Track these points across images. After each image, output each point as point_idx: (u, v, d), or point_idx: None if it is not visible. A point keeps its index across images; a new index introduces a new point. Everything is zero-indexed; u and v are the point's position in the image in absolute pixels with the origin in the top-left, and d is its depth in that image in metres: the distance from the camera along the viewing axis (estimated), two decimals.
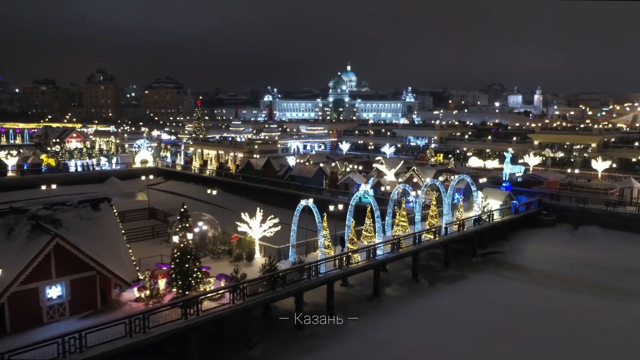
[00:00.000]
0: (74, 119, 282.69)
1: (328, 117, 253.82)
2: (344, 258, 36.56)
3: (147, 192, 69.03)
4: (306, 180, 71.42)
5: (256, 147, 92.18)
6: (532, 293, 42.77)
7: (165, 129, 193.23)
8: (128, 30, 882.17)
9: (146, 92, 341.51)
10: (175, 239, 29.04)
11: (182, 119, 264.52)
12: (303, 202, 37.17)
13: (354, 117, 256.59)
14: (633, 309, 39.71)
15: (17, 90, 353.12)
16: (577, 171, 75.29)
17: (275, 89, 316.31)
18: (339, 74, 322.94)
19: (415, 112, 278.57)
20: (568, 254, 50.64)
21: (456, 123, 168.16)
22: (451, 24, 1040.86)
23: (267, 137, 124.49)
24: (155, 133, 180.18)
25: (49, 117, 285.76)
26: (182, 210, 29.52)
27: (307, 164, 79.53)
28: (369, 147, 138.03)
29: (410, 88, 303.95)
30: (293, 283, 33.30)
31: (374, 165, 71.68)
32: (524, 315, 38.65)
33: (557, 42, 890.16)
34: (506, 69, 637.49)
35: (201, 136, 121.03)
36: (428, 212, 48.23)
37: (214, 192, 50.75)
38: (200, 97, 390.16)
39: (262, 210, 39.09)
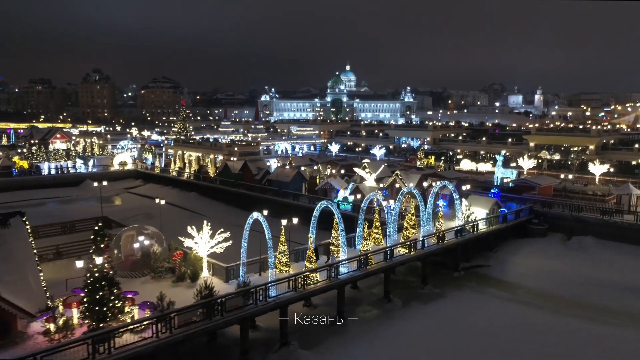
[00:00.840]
0: (69, 119, 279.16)
1: (320, 117, 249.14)
2: (300, 278, 32.22)
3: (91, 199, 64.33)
4: (283, 184, 67.18)
5: (236, 149, 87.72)
6: (517, 314, 38.39)
7: (156, 130, 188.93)
8: (129, 30, 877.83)
9: (142, 91, 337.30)
10: (79, 263, 24.71)
11: (174, 119, 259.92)
12: (254, 215, 32.82)
13: (346, 118, 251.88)
14: (629, 334, 35.43)
15: (16, 90, 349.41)
16: (570, 177, 70.57)
17: (272, 89, 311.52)
18: (337, 73, 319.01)
19: (410, 112, 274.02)
20: (559, 268, 46.29)
21: (450, 124, 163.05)
22: (452, 24, 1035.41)
23: (250, 139, 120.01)
24: (146, 133, 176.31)
25: (42, 117, 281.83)
26: (97, 227, 25.22)
27: (287, 167, 75.16)
28: (357, 150, 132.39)
29: (409, 88, 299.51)
30: (236, 309, 29.00)
31: (354, 169, 67.32)
32: (507, 341, 34.38)
33: (558, 42, 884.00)
34: (507, 69, 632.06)
35: (182, 137, 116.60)
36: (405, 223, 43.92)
37: (162, 202, 45.92)
38: (198, 97, 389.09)
39: (209, 224, 34.56)
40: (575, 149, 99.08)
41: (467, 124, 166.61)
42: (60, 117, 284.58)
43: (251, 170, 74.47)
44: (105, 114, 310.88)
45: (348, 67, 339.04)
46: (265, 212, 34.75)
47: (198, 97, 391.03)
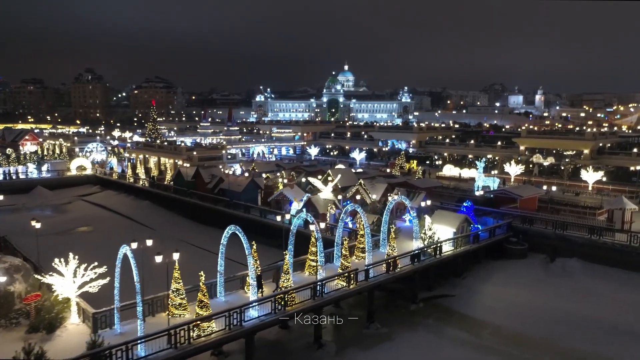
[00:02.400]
0: (59, 119, 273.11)
1: (307, 118, 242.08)
2: (183, 331, 24.85)
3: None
4: (236, 194, 59.93)
5: (195, 153, 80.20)
6: None
7: (138, 131, 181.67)
8: (129, 30, 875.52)
9: (135, 91, 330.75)
10: None
11: (164, 119, 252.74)
12: (130, 247, 25.49)
13: (332, 119, 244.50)
14: None
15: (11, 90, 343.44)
16: (554, 189, 62.79)
17: (268, 89, 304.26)
18: (333, 73, 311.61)
19: (407, 113, 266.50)
20: (536, 300, 38.81)
21: (441, 125, 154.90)
22: (454, 24, 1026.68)
23: (215, 142, 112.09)
24: (127, 134, 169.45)
25: (30, 118, 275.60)
26: None
27: (246, 174, 67.73)
28: (332, 153, 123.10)
29: (406, 88, 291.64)
30: None
31: (309, 178, 59.70)
32: None
33: (559, 42, 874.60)
34: (508, 69, 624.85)
35: (144, 140, 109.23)
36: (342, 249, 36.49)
37: (38, 226, 36.97)
38: (193, 97, 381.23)
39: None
40: (569, 153, 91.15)
41: (457, 125, 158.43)
42: (49, 117, 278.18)
43: (203, 178, 67.09)
44: (98, 115, 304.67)
45: (346, 67, 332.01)
46: (150, 242, 27.61)
47: (193, 97, 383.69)
